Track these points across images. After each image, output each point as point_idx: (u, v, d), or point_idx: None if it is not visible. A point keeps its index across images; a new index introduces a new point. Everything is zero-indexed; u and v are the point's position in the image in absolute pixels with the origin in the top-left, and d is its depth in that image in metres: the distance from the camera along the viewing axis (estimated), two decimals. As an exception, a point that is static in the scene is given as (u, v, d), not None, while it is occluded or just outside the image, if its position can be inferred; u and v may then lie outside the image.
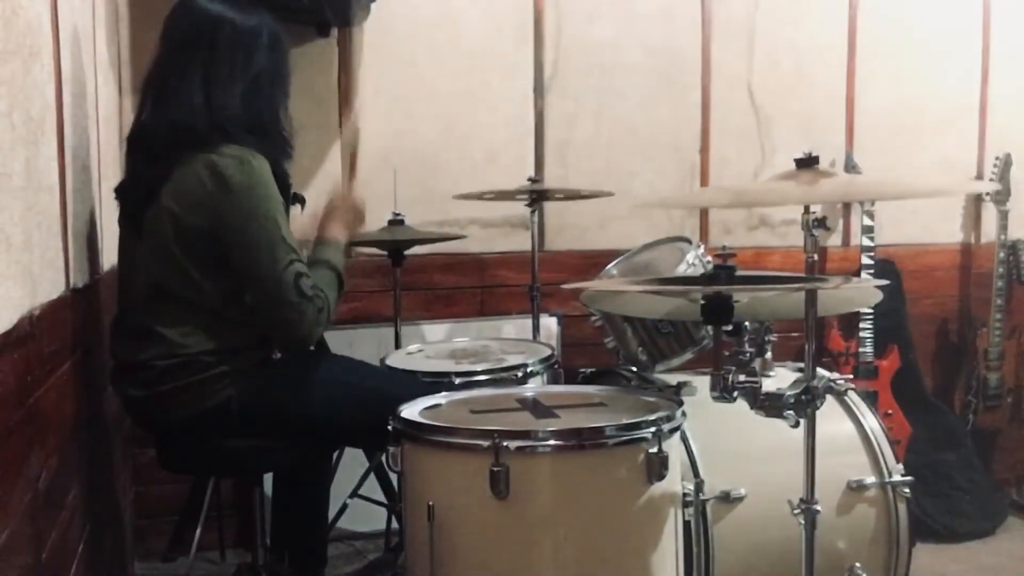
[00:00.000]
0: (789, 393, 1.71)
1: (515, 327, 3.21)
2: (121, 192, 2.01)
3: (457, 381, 2.22)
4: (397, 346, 2.75)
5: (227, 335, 1.92)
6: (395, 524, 2.82)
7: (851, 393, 2.29)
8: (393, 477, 2.77)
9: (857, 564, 2.09)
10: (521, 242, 3.25)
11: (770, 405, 1.72)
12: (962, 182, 3.68)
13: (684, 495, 1.81)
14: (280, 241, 1.88)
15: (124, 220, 2.00)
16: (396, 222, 2.76)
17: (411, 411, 1.81)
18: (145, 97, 1.98)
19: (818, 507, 1.75)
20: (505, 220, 3.31)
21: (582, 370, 2.52)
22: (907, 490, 2.18)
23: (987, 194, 3.66)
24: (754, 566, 2.05)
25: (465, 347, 2.67)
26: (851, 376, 2.62)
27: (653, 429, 1.67)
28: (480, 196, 2.84)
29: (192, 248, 1.88)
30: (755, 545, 2.04)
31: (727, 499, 2.03)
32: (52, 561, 1.50)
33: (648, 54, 3.42)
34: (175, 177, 1.88)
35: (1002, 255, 3.60)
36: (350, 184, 2.18)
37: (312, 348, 2.07)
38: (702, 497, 1.90)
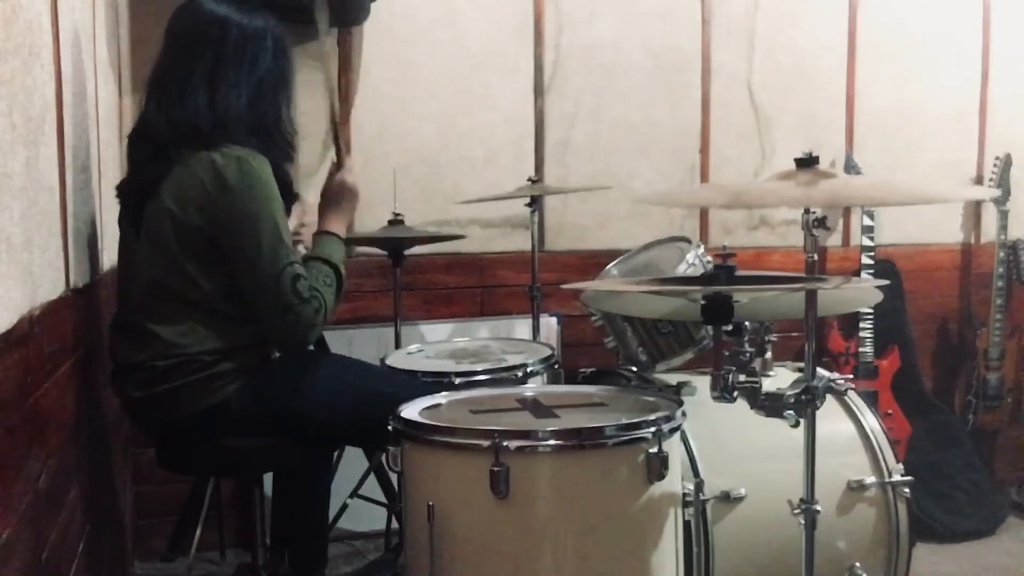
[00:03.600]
0: (789, 393, 1.71)
1: (515, 327, 3.21)
2: (121, 190, 2.01)
3: (457, 381, 2.22)
4: (397, 346, 2.75)
5: (227, 334, 1.92)
6: (395, 524, 2.82)
7: (851, 393, 2.29)
8: (393, 477, 2.77)
9: (857, 564, 2.09)
10: (521, 242, 3.25)
11: (770, 405, 1.72)
12: (959, 188, 3.67)
13: (684, 495, 1.80)
14: (278, 242, 1.87)
15: (124, 219, 2.00)
16: (396, 222, 2.76)
17: (411, 411, 1.81)
18: (149, 97, 1.98)
19: (818, 507, 1.75)
20: (505, 220, 3.31)
21: (582, 370, 2.52)
22: (907, 490, 2.18)
23: (987, 194, 3.66)
24: (754, 566, 2.05)
25: (465, 347, 2.67)
26: (851, 376, 2.62)
27: (653, 429, 1.66)
28: (481, 199, 2.84)
29: (190, 246, 1.87)
30: (755, 545, 2.04)
31: (727, 499, 2.03)
32: (52, 561, 1.50)
33: (648, 54, 3.42)
34: (175, 175, 1.88)
35: (1002, 255, 3.60)
36: (337, 163, 2.17)
37: (311, 347, 2.07)
38: (702, 497, 1.89)
